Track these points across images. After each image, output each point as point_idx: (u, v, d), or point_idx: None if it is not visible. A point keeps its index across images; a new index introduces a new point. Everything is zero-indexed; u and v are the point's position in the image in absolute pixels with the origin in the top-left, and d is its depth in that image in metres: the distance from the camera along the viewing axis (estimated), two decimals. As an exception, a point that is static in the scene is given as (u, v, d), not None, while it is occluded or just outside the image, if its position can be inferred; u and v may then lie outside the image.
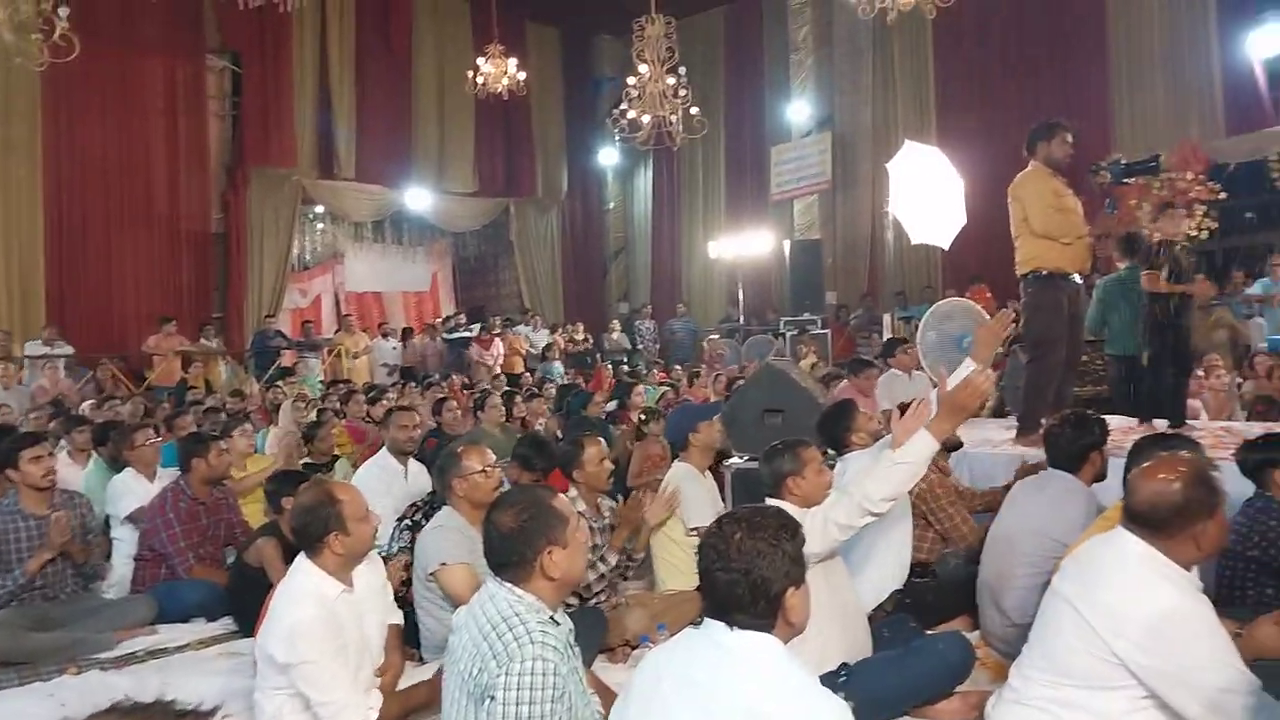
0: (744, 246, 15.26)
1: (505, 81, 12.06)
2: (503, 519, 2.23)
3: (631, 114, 10.45)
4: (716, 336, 14.48)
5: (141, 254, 12.77)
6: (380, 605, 3.00)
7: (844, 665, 2.85)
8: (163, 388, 10.93)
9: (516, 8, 15.31)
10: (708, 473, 4.81)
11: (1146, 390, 5.68)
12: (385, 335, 14.24)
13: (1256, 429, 5.56)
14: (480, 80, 12.08)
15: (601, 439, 4.27)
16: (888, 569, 3.49)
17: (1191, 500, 2.27)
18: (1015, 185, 5.28)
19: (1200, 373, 7.23)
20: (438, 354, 14.06)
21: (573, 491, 4.00)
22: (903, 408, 4.31)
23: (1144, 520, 2.32)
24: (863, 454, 3.84)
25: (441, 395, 8.51)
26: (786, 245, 14.27)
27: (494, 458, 3.59)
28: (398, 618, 3.21)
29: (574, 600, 3.63)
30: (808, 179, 15.05)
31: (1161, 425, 5.44)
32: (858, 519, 2.89)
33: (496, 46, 12.07)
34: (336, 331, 14.17)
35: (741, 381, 7.50)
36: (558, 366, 13.42)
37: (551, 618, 2.18)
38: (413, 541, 3.69)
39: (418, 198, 15.55)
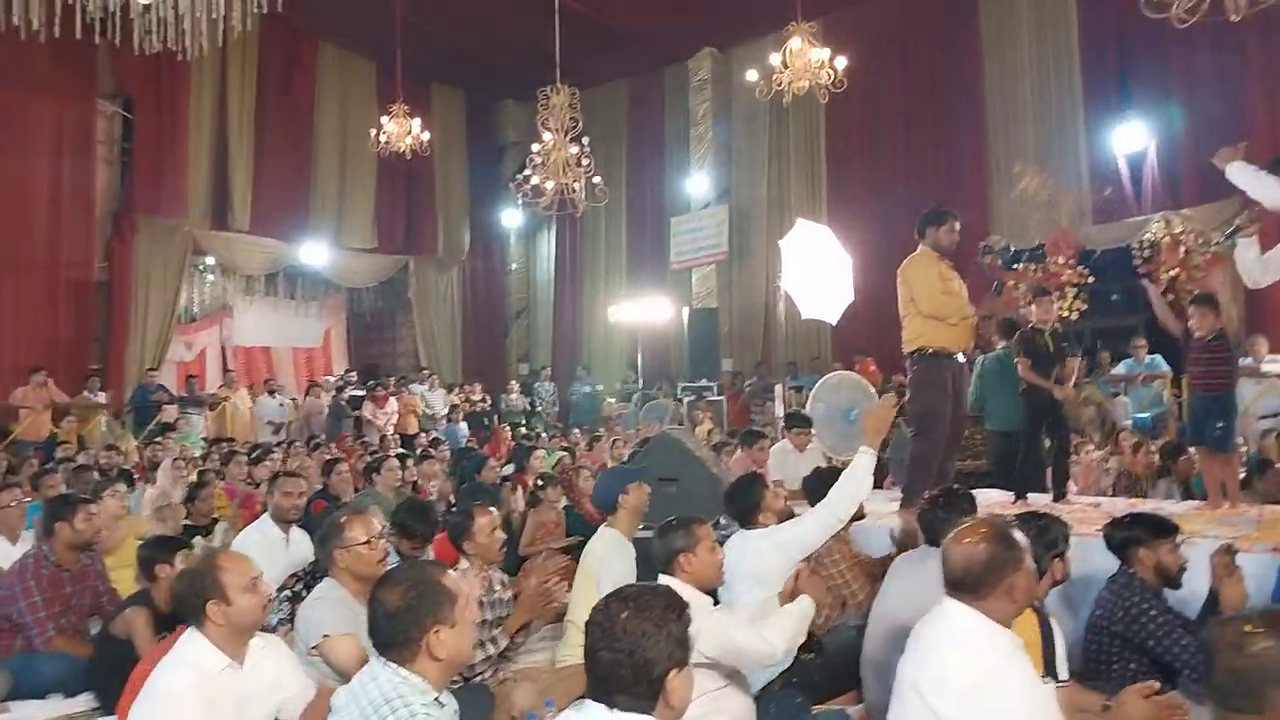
0: (644, 312, 15.47)
1: (409, 140, 12.05)
2: (389, 597, 2.19)
3: (535, 180, 10.57)
4: (614, 400, 14.57)
5: (17, 301, 12.18)
6: (272, 696, 2.79)
7: (729, 742, 2.86)
8: (29, 443, 10.34)
9: (422, 69, 15.38)
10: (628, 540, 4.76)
11: (1022, 466, 5.94)
12: (272, 392, 13.81)
13: (1122, 504, 5.89)
14: (383, 138, 12.05)
15: (493, 508, 4.21)
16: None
17: (997, 556, 2.39)
18: (904, 267, 5.52)
19: (1092, 449, 7.64)
20: (321, 412, 13.66)
21: (463, 563, 3.93)
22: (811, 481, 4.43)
23: (962, 585, 2.43)
24: (762, 535, 3.88)
25: (330, 456, 8.30)
26: (685, 313, 14.55)
27: (379, 528, 3.48)
28: (313, 690, 3.05)
29: (458, 677, 3.55)
30: (706, 249, 15.42)
31: (1039, 500, 5.71)
32: (752, 653, 2.97)
33: (401, 106, 12.08)
34: (221, 387, 13.69)
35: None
36: (463, 429, 13.22)
37: (436, 699, 2.14)
38: (293, 614, 3.55)
39: (314, 252, 15.28)
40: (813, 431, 7.28)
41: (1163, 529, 3.61)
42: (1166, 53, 11.17)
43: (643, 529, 5.10)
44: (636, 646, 1.85)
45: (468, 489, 7.22)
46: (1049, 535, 3.25)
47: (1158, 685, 3.00)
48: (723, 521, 4.59)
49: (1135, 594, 3.47)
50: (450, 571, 2.37)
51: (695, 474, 5.31)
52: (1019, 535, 2.48)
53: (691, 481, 5.27)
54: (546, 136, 10.39)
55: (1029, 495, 5.83)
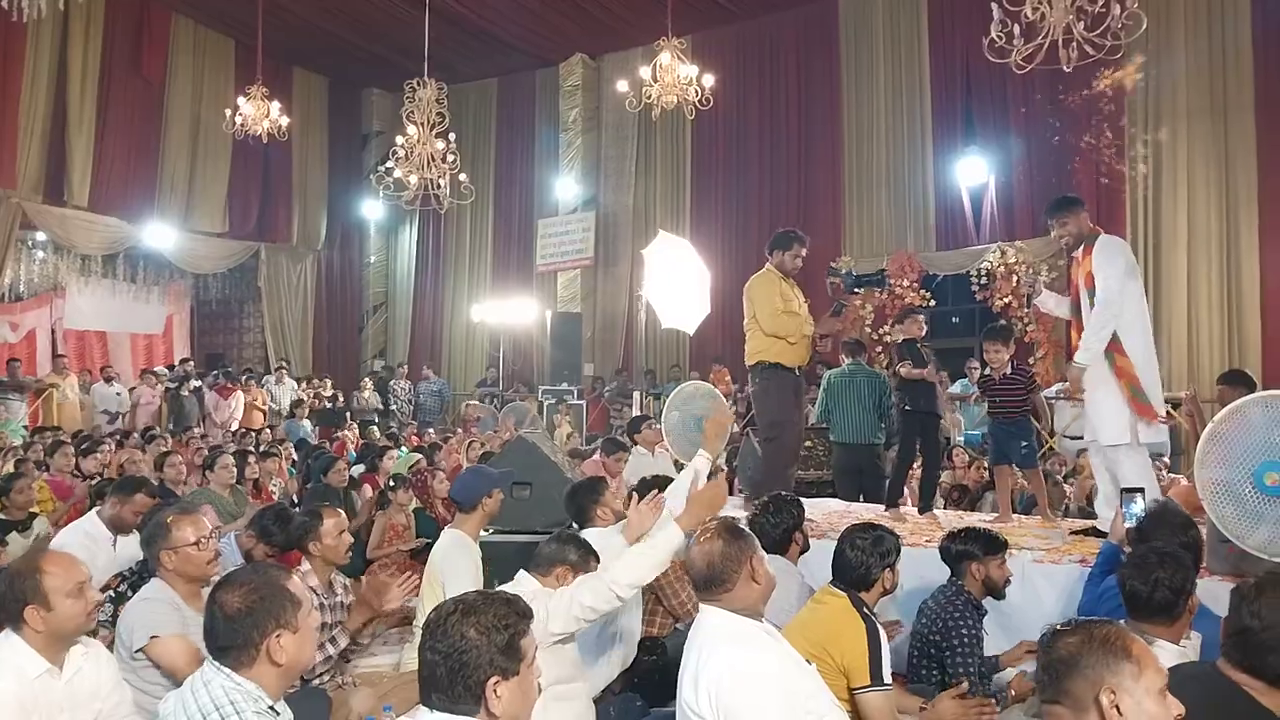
0: (507, 313, 15.38)
1: (266, 124, 11.61)
2: (229, 599, 2.12)
3: (398, 173, 10.36)
4: (475, 401, 14.40)
5: None
6: (88, 706, 2.65)
7: (568, 746, 2.89)
8: None
9: (285, 52, 14.88)
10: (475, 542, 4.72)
11: (894, 477, 6.20)
12: (109, 379, 13.01)
13: (953, 517, 6.25)
14: (239, 120, 11.56)
15: (341, 510, 4.11)
16: (616, 651, 3.57)
17: (731, 546, 2.54)
18: (749, 285, 5.75)
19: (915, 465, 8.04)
20: (151, 402, 12.90)
21: (305, 565, 3.83)
22: (642, 487, 4.51)
23: (710, 583, 2.55)
24: (600, 533, 3.94)
25: (166, 449, 7.90)
26: (548, 315, 14.54)
27: (210, 527, 3.35)
28: (130, 702, 2.90)
29: (295, 681, 3.45)
30: (571, 254, 15.48)
31: (910, 511, 6.00)
32: (603, 604, 2.92)
33: (259, 88, 11.62)
34: (49, 373, 12.79)
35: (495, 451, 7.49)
36: (306, 426, 12.76)
37: (271, 707, 2.09)
38: (116, 615, 3.38)
39: (158, 234, 14.46)
40: (658, 427, 7.40)
41: (994, 544, 3.83)
42: (1006, 95, 11.95)
43: (494, 532, 5.13)
44: (454, 649, 1.85)
45: (314, 490, 7.01)
46: (883, 546, 3.37)
47: (966, 686, 3.25)
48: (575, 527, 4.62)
49: (957, 608, 3.69)
50: (295, 576, 2.31)
51: (550, 479, 5.31)
52: (743, 526, 2.66)
53: (546, 486, 5.27)
54: (411, 130, 10.20)
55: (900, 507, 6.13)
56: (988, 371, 5.67)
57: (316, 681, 3.63)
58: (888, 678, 3.08)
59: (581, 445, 10.21)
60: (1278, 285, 10.38)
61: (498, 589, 2.32)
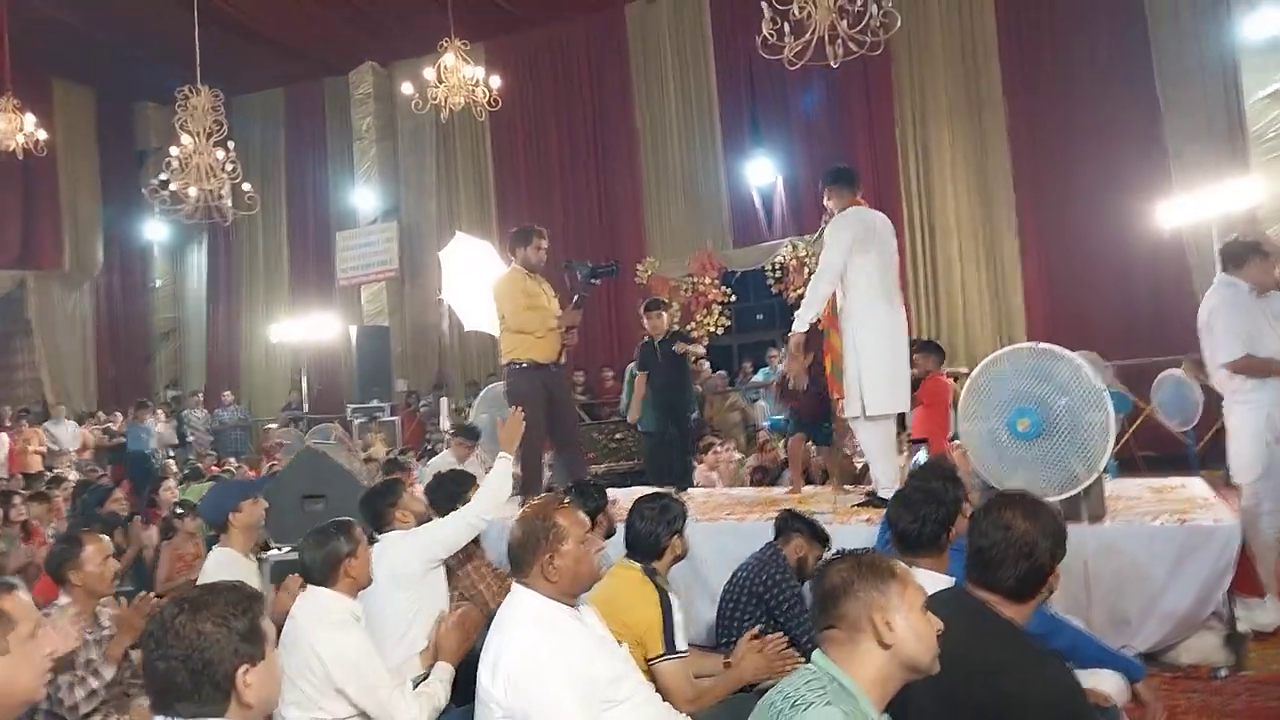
0: (309, 331, 14.74)
1: (20, 139, 10.64)
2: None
3: (174, 186, 9.73)
4: (276, 425, 13.70)
5: None
6: None
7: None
8: None
9: (40, 60, 13.70)
10: (251, 557, 4.48)
11: (665, 461, 6.55)
12: None
13: (751, 494, 6.53)
14: (-14, 133, 10.53)
15: (104, 536, 3.79)
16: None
17: (529, 535, 2.52)
18: (494, 285, 5.81)
19: (719, 449, 8.34)
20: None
21: (63, 597, 3.51)
22: (438, 481, 4.43)
23: (511, 563, 2.56)
24: (400, 536, 3.83)
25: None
26: (353, 331, 14.03)
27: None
28: None
29: (20, 713, 3.15)
30: (375, 265, 15.04)
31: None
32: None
33: (10, 99, 10.64)
34: None
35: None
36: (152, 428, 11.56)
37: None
38: None
39: (-102, 264, 13.00)
40: (476, 444, 7.34)
41: (822, 535, 4.10)
42: (787, 96, 12.52)
43: (288, 551, 4.89)
44: (193, 649, 1.72)
45: (81, 518, 6.49)
46: (669, 514, 3.46)
47: (772, 637, 3.35)
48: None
49: (780, 568, 3.88)
50: (13, 595, 2.09)
51: (345, 488, 5.13)
52: (566, 519, 2.56)
53: (342, 496, 5.08)
54: (185, 139, 9.59)
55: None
56: (791, 386, 5.94)
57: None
58: (681, 645, 3.12)
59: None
60: (1036, 263, 11.34)
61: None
